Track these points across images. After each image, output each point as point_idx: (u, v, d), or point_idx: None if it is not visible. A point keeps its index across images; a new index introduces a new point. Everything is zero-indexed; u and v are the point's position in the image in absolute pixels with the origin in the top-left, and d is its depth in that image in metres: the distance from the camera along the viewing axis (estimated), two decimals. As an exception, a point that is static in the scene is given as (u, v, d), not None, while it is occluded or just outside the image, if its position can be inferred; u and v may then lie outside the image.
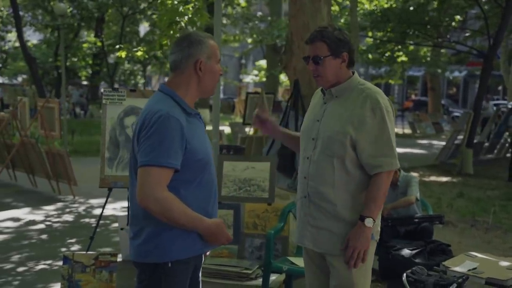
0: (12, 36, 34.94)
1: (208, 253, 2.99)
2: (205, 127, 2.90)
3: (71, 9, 27.13)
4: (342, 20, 19.44)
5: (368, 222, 2.99)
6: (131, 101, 5.37)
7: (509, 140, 16.57)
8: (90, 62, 34.98)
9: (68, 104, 25.41)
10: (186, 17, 8.18)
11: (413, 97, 49.97)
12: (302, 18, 8.16)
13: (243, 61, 51.37)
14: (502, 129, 16.16)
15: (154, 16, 25.72)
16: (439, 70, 29.90)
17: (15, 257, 6.44)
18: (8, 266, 6.13)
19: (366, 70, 33.45)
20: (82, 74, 38.46)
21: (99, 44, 32.81)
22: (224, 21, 26.38)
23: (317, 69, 3.11)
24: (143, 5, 29.68)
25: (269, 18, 23.78)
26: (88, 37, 36.24)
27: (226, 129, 16.97)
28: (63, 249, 6.70)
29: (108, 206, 5.73)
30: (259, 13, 30.30)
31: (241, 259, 5.09)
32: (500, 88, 43.55)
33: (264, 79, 30.57)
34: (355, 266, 3.03)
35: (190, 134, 2.63)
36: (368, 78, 31.68)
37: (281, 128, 3.42)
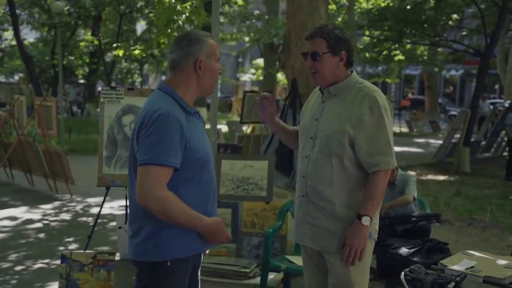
0: (8, 34, 34.88)
1: (207, 251, 2.99)
2: (205, 126, 2.90)
3: (68, 7, 27.08)
4: (340, 19, 19.44)
5: (365, 220, 3.00)
6: (129, 99, 5.37)
7: (505, 138, 16.59)
8: (87, 60, 34.94)
9: (65, 103, 25.36)
10: (183, 16, 8.17)
11: (410, 95, 50.01)
12: (300, 17, 8.17)
13: (240, 59, 51.33)
14: (499, 128, 16.19)
15: (151, 15, 25.67)
16: (436, 69, 29.95)
17: (13, 256, 6.44)
18: (6, 265, 6.12)
19: (363, 69, 33.48)
20: (79, 72, 38.42)
21: (96, 42, 32.75)
22: (221, 20, 26.32)
23: (314, 65, 3.12)
24: (140, 4, 29.63)
25: (266, 16, 23.73)
26: (85, 36, 36.16)
27: (224, 127, 16.97)
28: (61, 248, 6.70)
29: (106, 204, 5.73)
30: (256, 12, 30.25)
31: (239, 258, 5.09)
32: (496, 87, 43.59)
33: (261, 78, 30.55)
34: (352, 264, 3.04)
35: (190, 133, 2.63)
36: (365, 76, 31.69)
37: (277, 120, 3.41)
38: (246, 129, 13.39)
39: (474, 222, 8.45)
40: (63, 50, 25.93)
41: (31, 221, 8.09)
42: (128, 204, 5.00)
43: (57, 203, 9.34)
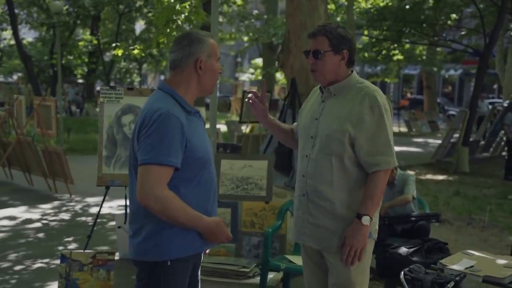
0: (7, 34, 34.85)
1: (207, 251, 2.99)
2: (205, 126, 2.90)
3: (66, 6, 27.07)
4: (339, 19, 19.46)
5: (365, 220, 3.00)
6: (129, 99, 5.36)
7: (504, 138, 16.61)
8: (86, 60, 34.93)
9: (64, 102, 25.36)
10: (182, 15, 8.17)
11: (408, 95, 50.03)
12: (299, 17, 8.17)
13: (239, 59, 51.34)
14: (497, 128, 16.19)
15: (150, 14, 25.67)
16: (435, 69, 29.98)
17: (12, 256, 6.43)
18: (5, 264, 6.12)
19: (362, 69, 33.48)
20: (78, 72, 38.39)
21: (95, 42, 32.75)
22: (220, 19, 26.31)
23: (316, 63, 3.12)
24: (139, 3, 29.63)
25: (265, 16, 23.77)
26: (84, 35, 36.15)
27: (222, 127, 16.97)
28: (60, 248, 6.70)
29: (105, 204, 5.73)
30: (255, 11, 30.25)
31: (238, 258, 5.09)
32: (495, 86, 43.63)
33: (260, 77, 30.57)
34: (352, 264, 3.04)
35: (190, 133, 2.63)
36: (364, 76, 31.65)
37: (269, 117, 3.40)
38: (245, 128, 13.39)
39: (473, 222, 8.46)
40: (62, 49, 25.92)
41: (30, 221, 8.09)
42: (127, 203, 5.00)
43: (56, 203, 9.34)
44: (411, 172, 9.55)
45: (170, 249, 2.62)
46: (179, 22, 8.17)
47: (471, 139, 15.02)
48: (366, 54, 22.65)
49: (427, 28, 18.53)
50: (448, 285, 3.33)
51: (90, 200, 9.49)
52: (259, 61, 32.68)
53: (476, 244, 7.06)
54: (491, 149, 17.21)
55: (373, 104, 3.03)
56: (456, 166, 14.03)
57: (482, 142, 17.04)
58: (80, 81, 39.36)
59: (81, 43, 34.30)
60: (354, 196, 3.07)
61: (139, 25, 39.58)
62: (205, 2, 12.91)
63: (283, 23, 16.09)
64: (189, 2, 8.16)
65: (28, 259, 6.31)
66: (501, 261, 3.84)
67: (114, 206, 8.91)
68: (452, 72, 41.54)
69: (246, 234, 5.23)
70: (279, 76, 28.70)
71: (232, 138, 14.18)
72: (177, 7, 8.04)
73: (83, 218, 8.33)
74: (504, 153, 15.90)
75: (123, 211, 5.86)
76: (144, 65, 39.46)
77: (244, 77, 43.06)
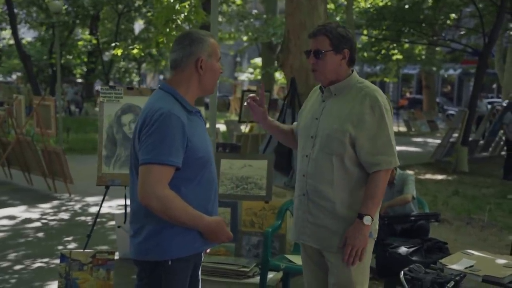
0: (6, 33, 34.81)
1: (208, 250, 2.99)
2: (206, 125, 2.90)
3: (66, 6, 27.05)
4: (338, 18, 19.49)
5: (367, 220, 3.00)
6: (128, 99, 5.36)
7: (504, 138, 16.62)
8: (85, 59, 34.90)
9: (63, 102, 25.36)
10: (182, 15, 8.17)
11: (408, 95, 50.05)
12: (299, 16, 8.17)
13: (238, 59, 51.31)
14: (497, 127, 16.21)
15: (149, 14, 25.67)
16: (434, 68, 29.98)
17: (12, 255, 6.43)
18: (5, 264, 6.12)
19: (361, 68, 33.47)
20: (77, 71, 38.36)
21: (94, 41, 32.73)
22: (219, 19, 26.27)
23: (317, 63, 3.12)
24: (138, 3, 29.62)
25: (264, 16, 23.74)
26: (83, 35, 36.13)
27: (222, 127, 16.98)
28: (60, 247, 6.70)
29: (104, 204, 5.73)
30: (254, 11, 30.22)
31: (238, 257, 5.09)
32: (494, 86, 43.66)
33: (259, 77, 30.55)
34: (353, 264, 3.04)
35: (191, 132, 2.63)
36: (363, 76, 31.49)
37: (269, 119, 3.41)
38: (244, 128, 13.40)
39: (472, 222, 8.47)
40: (61, 49, 25.92)
41: (30, 220, 8.09)
42: (127, 203, 5.00)
43: (55, 202, 9.34)
44: (410, 172, 9.55)
45: (171, 248, 2.62)
46: (179, 22, 8.16)
47: (470, 139, 15.03)
48: (365, 54, 22.68)
49: (426, 27, 18.55)
50: (448, 285, 3.33)
51: (90, 199, 9.49)
52: (258, 60, 32.67)
53: (475, 244, 7.06)
54: (490, 149, 17.22)
55: (374, 104, 3.03)
56: (455, 165, 14.04)
57: (481, 142, 17.05)
58: (79, 80, 39.36)
59: (80, 43, 34.27)
60: (355, 196, 3.07)
61: (138, 25, 39.57)
62: (204, 2, 12.92)
63: (283, 23, 16.09)
64: (188, 2, 8.16)
65: (27, 259, 6.31)
66: (501, 261, 3.84)
67: (114, 205, 8.91)
68: (451, 71, 41.57)
69: (245, 233, 5.23)
70: (278, 75, 28.70)
71: (231, 137, 14.19)
72: (177, 6, 8.04)
73: (83, 218, 8.33)
74: (503, 153, 15.92)
75: (123, 211, 5.87)
76: (143, 65, 39.46)
77: (243, 76, 43.05)
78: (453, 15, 20.09)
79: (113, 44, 12.97)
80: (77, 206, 9.08)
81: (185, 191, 2.62)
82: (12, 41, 30.44)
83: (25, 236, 7.27)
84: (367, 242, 3.04)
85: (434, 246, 4.92)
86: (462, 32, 22.96)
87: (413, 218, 5.52)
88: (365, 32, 20.27)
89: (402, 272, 3.54)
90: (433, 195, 10.41)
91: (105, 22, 35.56)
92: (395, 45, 21.75)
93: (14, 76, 42.61)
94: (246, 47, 31.34)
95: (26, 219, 8.18)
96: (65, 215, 8.47)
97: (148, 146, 2.55)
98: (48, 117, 10.06)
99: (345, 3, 15.40)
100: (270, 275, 4.70)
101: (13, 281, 5.61)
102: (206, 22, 10.23)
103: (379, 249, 4.75)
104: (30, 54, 26.80)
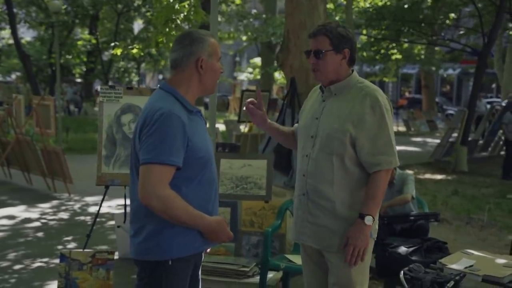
0: (6, 33, 34.82)
1: (208, 250, 2.99)
2: (206, 125, 2.90)
3: (65, 6, 27.04)
4: (337, 18, 19.48)
5: (368, 220, 3.00)
6: (128, 98, 5.36)
7: (503, 138, 16.63)
8: (85, 59, 34.91)
9: (63, 102, 25.36)
10: (181, 15, 8.17)
11: (407, 94, 50.05)
12: (299, 16, 8.16)
13: (237, 58, 51.32)
14: (496, 127, 16.22)
15: (148, 14, 25.67)
16: (433, 68, 29.99)
17: (11, 255, 6.43)
18: (5, 264, 6.12)
19: (361, 68, 33.48)
20: (76, 71, 38.37)
21: (93, 41, 32.73)
22: (219, 19, 26.22)
23: (317, 63, 3.12)
24: (137, 3, 29.62)
25: (264, 15, 23.75)
26: (83, 35, 36.13)
27: (221, 126, 16.98)
28: (59, 247, 6.69)
29: (104, 203, 5.72)
30: (254, 11, 30.20)
31: (238, 257, 5.09)
32: (494, 86, 43.67)
33: (258, 77, 30.55)
34: (355, 264, 3.04)
35: (192, 132, 2.63)
36: (362, 76, 31.42)
37: (268, 121, 3.41)
38: (244, 128, 13.40)
39: (472, 221, 8.47)
40: (61, 49, 25.93)
41: (29, 220, 8.09)
42: (127, 203, 5.00)
43: (55, 202, 9.34)
44: (410, 172, 9.56)
45: (171, 248, 2.62)
46: (178, 22, 8.17)
47: (469, 139, 15.03)
48: (364, 54, 22.68)
49: (426, 27, 18.56)
50: (448, 285, 3.33)
51: (89, 199, 9.49)
52: (257, 60, 32.69)
53: (475, 244, 7.07)
54: (489, 149, 17.24)
55: (374, 104, 3.03)
56: (455, 165, 14.05)
57: (481, 142, 17.05)
58: (79, 80, 39.36)
59: (79, 43, 34.28)
60: (356, 196, 3.07)
61: (137, 25, 39.57)
62: (203, 1, 12.94)
63: (282, 23, 16.10)
64: (188, 2, 8.16)
65: (27, 258, 6.31)
66: (501, 261, 3.84)
67: (113, 205, 8.92)
68: (450, 71, 41.61)
69: (245, 233, 5.23)
70: (278, 75, 28.70)
71: (230, 137, 14.19)
72: (176, 6, 8.04)
73: (82, 218, 8.33)
74: (502, 153, 15.93)
75: (122, 211, 5.87)
76: (143, 65, 39.45)
77: (243, 76, 43.04)
78: (452, 15, 20.10)
79: (112, 44, 12.98)
80: (77, 206, 9.08)
81: (186, 190, 2.62)
82: (11, 41, 30.44)
83: (24, 236, 7.27)
84: (368, 242, 3.04)
85: (433, 245, 4.92)
86: (462, 32, 22.97)
87: (412, 218, 5.52)
88: (364, 31, 20.28)
89: (402, 271, 3.54)
90: (433, 195, 10.42)
91: (105, 22, 35.59)
92: (394, 44, 21.76)
93: (13, 76, 42.58)
94: (245, 46, 31.35)
95: (25, 218, 8.17)
96: (64, 215, 8.47)
97: (149, 146, 2.55)
98: (48, 117, 10.06)
99: (345, 2, 15.40)
100: (270, 274, 4.70)
101: (12, 280, 5.61)
102: (205, 22, 10.22)
103: (379, 249, 4.75)
104: (29, 53, 26.82)
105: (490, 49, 15.25)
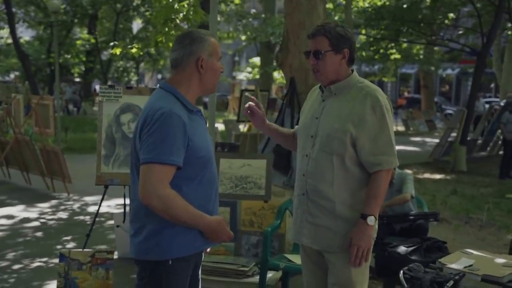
0: (4, 32, 34.78)
1: (208, 250, 2.99)
2: (207, 124, 2.90)
3: (64, 5, 27.02)
4: (336, 18, 19.46)
5: (370, 220, 2.99)
6: (128, 98, 5.36)
7: (501, 137, 16.64)
8: (84, 59, 34.89)
9: (61, 101, 25.33)
10: (181, 14, 8.16)
11: (406, 94, 50.06)
12: (298, 16, 8.16)
13: (236, 58, 51.33)
14: (495, 127, 16.24)
15: (147, 13, 25.66)
16: (432, 68, 30.02)
17: (10, 255, 6.43)
18: (4, 264, 6.11)
19: (360, 68, 33.50)
20: (75, 71, 38.35)
21: (92, 41, 32.71)
22: (218, 18, 26.21)
23: (317, 64, 3.11)
24: (136, 2, 29.61)
25: (263, 15, 23.74)
26: (81, 34, 36.11)
27: (220, 126, 16.97)
28: (58, 247, 6.69)
29: (103, 203, 5.72)
30: (253, 10, 30.19)
31: (237, 257, 5.10)
32: (492, 85, 43.69)
33: (257, 77, 30.54)
34: (359, 265, 3.03)
35: (192, 131, 2.63)
36: (361, 75, 31.51)
37: (268, 123, 3.41)
38: (243, 127, 13.40)
39: (471, 221, 8.48)
40: (59, 48, 25.89)
41: (28, 220, 8.08)
42: (127, 202, 4.99)
43: (54, 202, 9.33)
44: (408, 171, 9.56)
45: (171, 248, 2.62)
46: (178, 21, 8.16)
47: (468, 138, 15.05)
48: (363, 53, 22.67)
49: (425, 27, 18.58)
50: (448, 284, 3.33)
51: (88, 199, 9.48)
52: (256, 60, 32.68)
53: (474, 243, 7.07)
54: (488, 148, 17.25)
55: (375, 104, 3.03)
56: (454, 165, 14.07)
57: (480, 141, 17.07)
58: (78, 80, 39.32)
59: (78, 42, 34.24)
60: (357, 197, 3.07)
61: (136, 24, 39.55)
62: (203, 1, 12.92)
63: (281, 22, 16.09)
64: (187, 1, 8.15)
65: (26, 258, 6.30)
66: (500, 260, 3.85)
67: (113, 205, 8.91)
68: (449, 71, 41.62)
69: (245, 233, 5.24)
70: (277, 75, 28.69)
71: (229, 137, 14.18)
72: (176, 6, 8.02)
73: (81, 217, 8.32)
74: (501, 152, 15.95)
75: (122, 210, 5.87)
76: (142, 64, 39.45)
77: (242, 76, 43.04)
78: (451, 15, 20.12)
79: (111, 44, 12.97)
80: (76, 206, 9.07)
81: (186, 190, 2.62)
82: (10, 40, 30.40)
83: (23, 236, 7.27)
84: (371, 242, 3.04)
85: (433, 245, 4.92)
86: (460, 32, 22.99)
87: (412, 217, 5.52)
88: (363, 31, 20.28)
89: (402, 271, 3.54)
90: (432, 194, 10.43)
91: (104, 21, 35.55)
92: (393, 44, 21.76)
93: (12, 75, 42.54)
94: (244, 46, 31.30)
95: (24, 218, 8.17)
96: (63, 215, 8.47)
97: (149, 146, 2.55)
98: (47, 116, 10.05)
99: (344, 2, 15.39)
100: (270, 274, 4.70)
101: (12, 280, 5.60)
102: (205, 21, 10.20)
103: (378, 249, 4.76)
104: (28, 53, 26.81)
105: (489, 49, 15.27)
